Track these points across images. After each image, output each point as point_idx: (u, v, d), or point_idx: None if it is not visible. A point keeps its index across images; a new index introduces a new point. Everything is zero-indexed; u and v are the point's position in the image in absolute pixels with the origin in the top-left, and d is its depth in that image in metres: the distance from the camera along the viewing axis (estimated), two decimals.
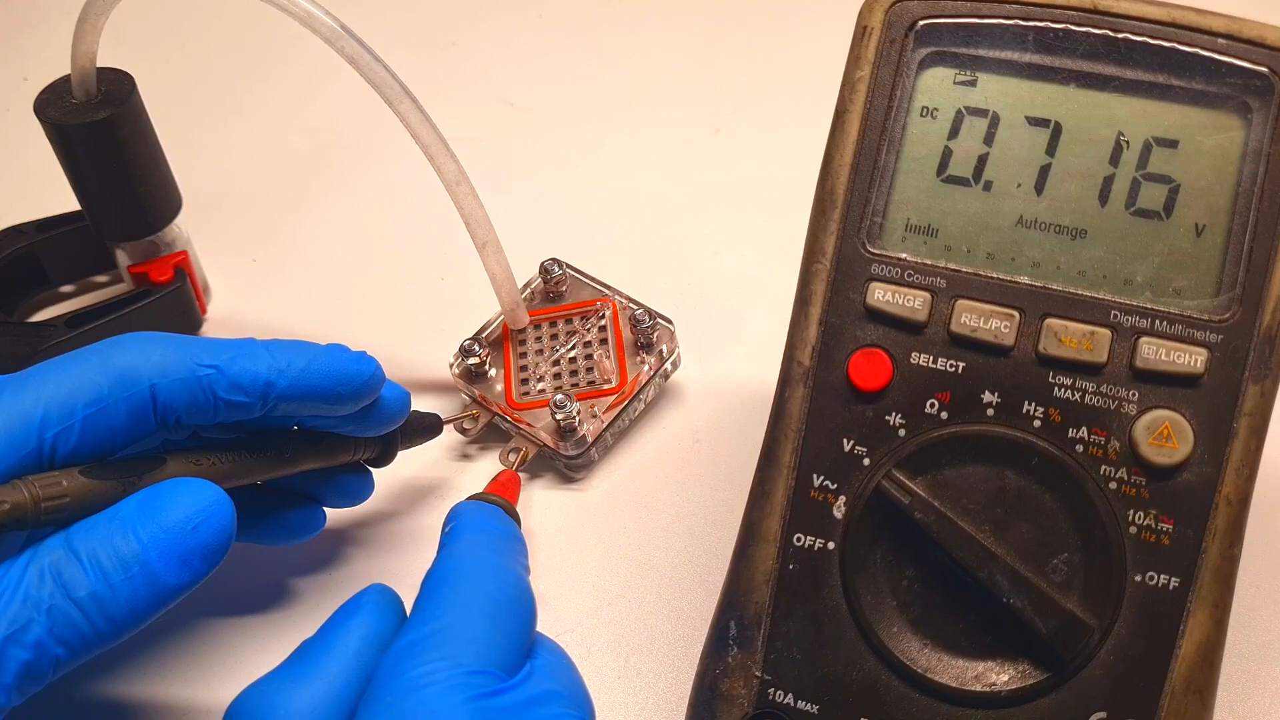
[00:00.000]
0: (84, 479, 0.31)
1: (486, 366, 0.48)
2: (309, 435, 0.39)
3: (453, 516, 0.38)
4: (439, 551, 0.35)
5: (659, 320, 0.47)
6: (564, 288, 0.50)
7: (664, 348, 0.47)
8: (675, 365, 0.48)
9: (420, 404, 0.49)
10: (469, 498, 0.42)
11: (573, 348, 0.48)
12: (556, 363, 0.47)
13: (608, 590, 0.43)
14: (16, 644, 0.29)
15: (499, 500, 0.41)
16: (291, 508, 0.41)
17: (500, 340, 0.49)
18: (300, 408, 0.36)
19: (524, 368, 0.48)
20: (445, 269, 0.56)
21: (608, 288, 0.49)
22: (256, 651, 0.42)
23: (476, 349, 0.47)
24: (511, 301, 0.47)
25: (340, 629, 0.32)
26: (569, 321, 0.49)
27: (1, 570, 0.30)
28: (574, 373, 0.47)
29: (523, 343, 0.48)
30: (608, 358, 0.47)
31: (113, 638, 0.31)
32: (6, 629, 0.29)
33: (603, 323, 0.48)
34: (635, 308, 0.48)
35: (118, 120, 0.47)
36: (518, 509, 0.42)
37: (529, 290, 0.50)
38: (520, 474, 0.46)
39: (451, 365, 0.48)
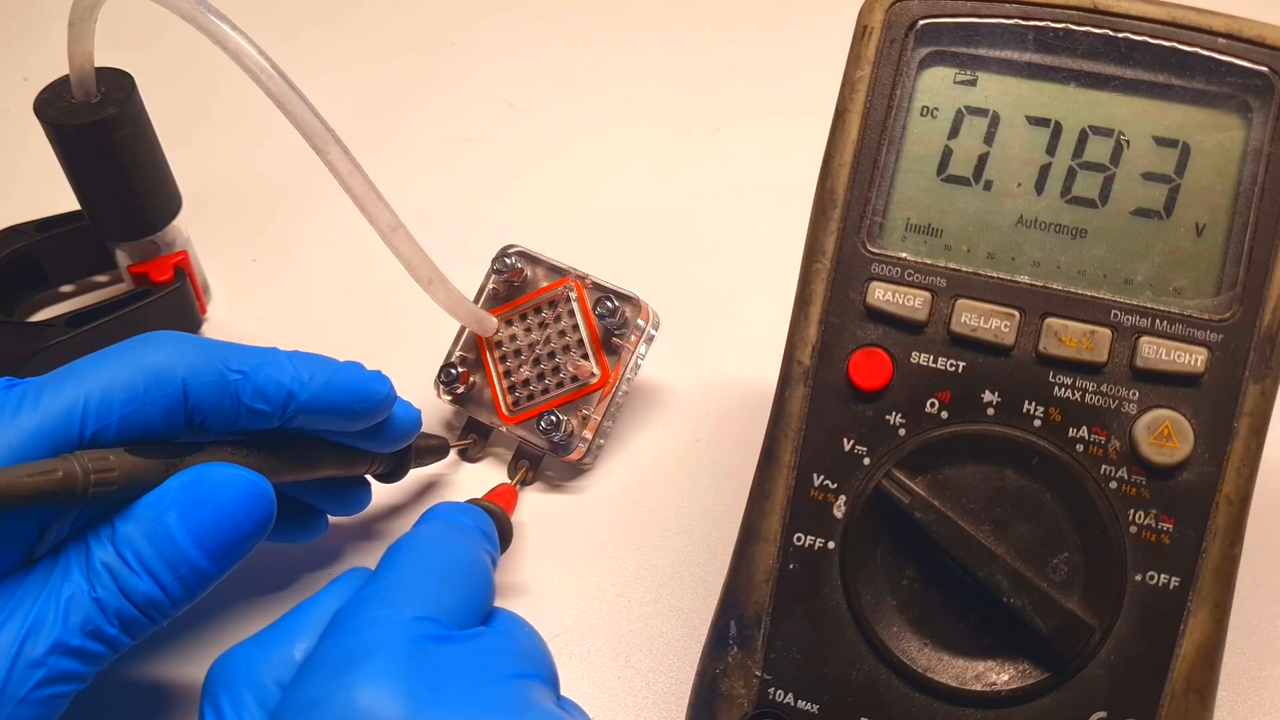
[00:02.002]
0: (131, 457, 0.32)
1: (472, 381, 0.48)
2: (330, 442, 0.39)
3: (428, 513, 0.38)
4: None
5: (622, 303, 0.46)
6: (525, 273, 0.48)
7: (638, 322, 0.46)
8: (656, 328, 0.47)
9: (421, 401, 0.49)
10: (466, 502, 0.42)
11: (548, 342, 0.47)
12: (537, 361, 0.47)
13: (607, 590, 0.43)
14: (94, 639, 0.31)
15: (489, 506, 0.41)
16: (297, 512, 0.42)
17: (478, 350, 0.48)
18: (316, 420, 0.37)
19: (507, 373, 0.47)
20: (445, 268, 0.56)
21: (565, 267, 0.48)
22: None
23: (454, 371, 0.47)
24: (472, 319, 0.46)
25: (314, 599, 0.33)
26: (538, 311, 0.47)
27: (63, 567, 0.31)
28: (556, 370, 0.46)
29: (500, 345, 0.48)
30: (585, 356, 0.46)
31: (167, 621, 0.33)
32: (82, 624, 0.31)
33: (571, 306, 0.47)
34: (598, 293, 0.46)
35: (117, 120, 0.47)
36: (513, 517, 0.42)
37: (490, 287, 0.49)
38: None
39: (438, 393, 0.48)
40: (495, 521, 0.41)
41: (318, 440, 0.39)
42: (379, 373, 0.39)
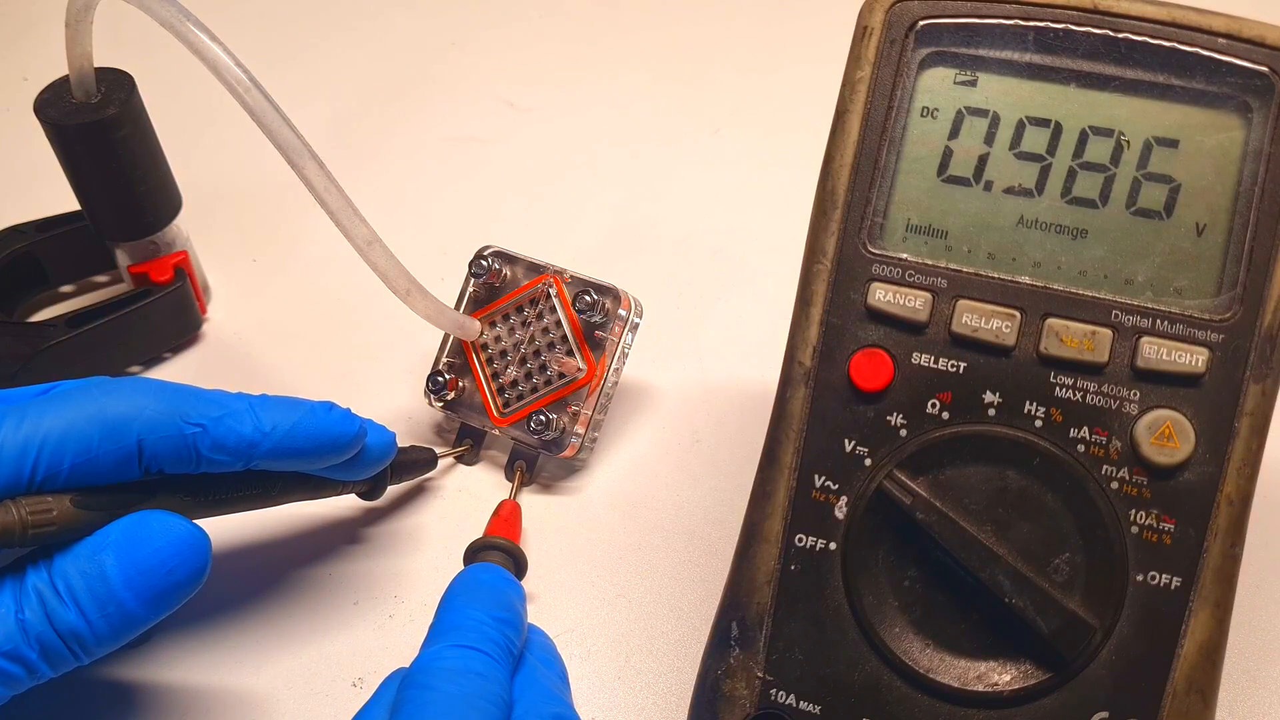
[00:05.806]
0: (74, 509, 0.33)
1: (462, 386, 0.47)
2: (296, 474, 0.39)
3: (445, 603, 0.37)
4: (424, 646, 0.35)
5: (602, 295, 0.45)
6: (504, 273, 0.48)
7: (620, 312, 0.45)
8: (640, 316, 0.46)
9: (416, 405, 0.49)
10: (471, 545, 0.42)
11: (532, 341, 0.46)
12: (523, 361, 0.46)
13: (608, 590, 0.43)
14: (13, 660, 0.31)
15: (502, 545, 0.41)
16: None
17: (464, 354, 0.48)
18: (280, 464, 0.37)
19: (495, 375, 0.47)
20: (445, 269, 0.56)
21: (543, 264, 0.47)
22: (254, 641, 0.42)
23: (441, 379, 0.47)
24: (454, 325, 0.46)
25: (365, 711, 0.33)
26: (520, 310, 0.47)
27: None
28: (544, 368, 0.46)
29: (485, 347, 0.47)
30: (569, 352, 0.46)
31: (90, 660, 0.33)
32: (3, 642, 0.31)
33: (552, 303, 0.46)
34: (576, 287, 0.46)
35: (117, 120, 0.47)
36: (522, 528, 0.42)
37: (471, 291, 0.48)
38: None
39: (429, 401, 0.48)
40: (512, 558, 0.41)
41: (283, 473, 0.39)
42: (347, 412, 0.38)
